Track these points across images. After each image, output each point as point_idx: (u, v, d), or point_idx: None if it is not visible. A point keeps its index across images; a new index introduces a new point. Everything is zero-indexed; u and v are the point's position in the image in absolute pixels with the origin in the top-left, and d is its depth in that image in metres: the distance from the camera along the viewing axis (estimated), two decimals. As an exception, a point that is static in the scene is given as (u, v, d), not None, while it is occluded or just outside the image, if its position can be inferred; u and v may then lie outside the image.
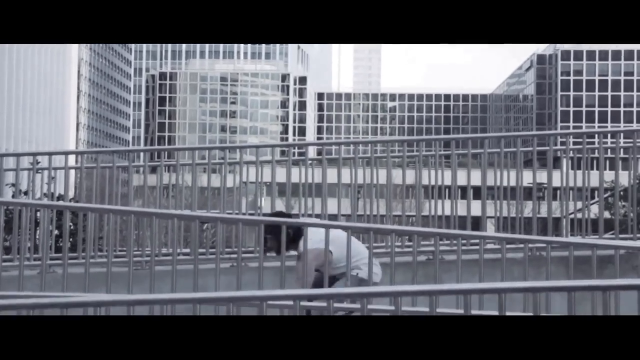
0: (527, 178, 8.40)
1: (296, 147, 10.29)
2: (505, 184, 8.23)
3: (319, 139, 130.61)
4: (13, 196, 8.98)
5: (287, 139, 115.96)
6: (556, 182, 8.09)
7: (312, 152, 8.89)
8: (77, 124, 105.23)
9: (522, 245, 5.85)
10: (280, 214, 6.24)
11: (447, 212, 8.56)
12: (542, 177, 8.43)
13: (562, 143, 8.55)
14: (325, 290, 4.05)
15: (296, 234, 5.86)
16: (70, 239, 8.76)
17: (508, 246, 5.65)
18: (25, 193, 8.91)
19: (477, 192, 8.46)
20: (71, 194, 8.65)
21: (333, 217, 7.89)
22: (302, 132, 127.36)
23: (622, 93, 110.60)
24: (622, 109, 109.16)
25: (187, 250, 7.83)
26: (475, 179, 8.24)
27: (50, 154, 8.33)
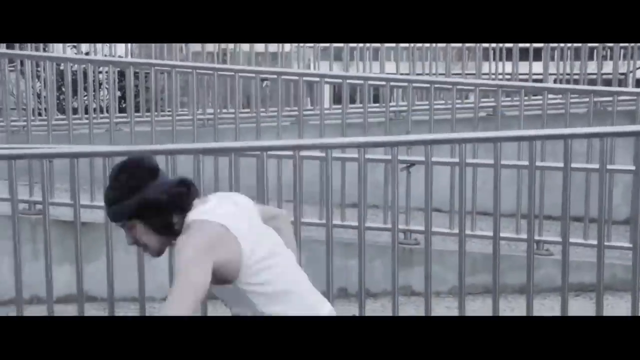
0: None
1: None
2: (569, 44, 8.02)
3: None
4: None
5: None
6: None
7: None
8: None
9: (586, 100, 5.77)
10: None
11: (508, 70, 8.42)
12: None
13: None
14: (386, 138, 4.04)
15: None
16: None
17: (571, 101, 5.58)
18: (87, 54, 9.02)
19: (538, 53, 8.26)
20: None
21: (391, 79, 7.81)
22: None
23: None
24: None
25: (248, 110, 7.93)
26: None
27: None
